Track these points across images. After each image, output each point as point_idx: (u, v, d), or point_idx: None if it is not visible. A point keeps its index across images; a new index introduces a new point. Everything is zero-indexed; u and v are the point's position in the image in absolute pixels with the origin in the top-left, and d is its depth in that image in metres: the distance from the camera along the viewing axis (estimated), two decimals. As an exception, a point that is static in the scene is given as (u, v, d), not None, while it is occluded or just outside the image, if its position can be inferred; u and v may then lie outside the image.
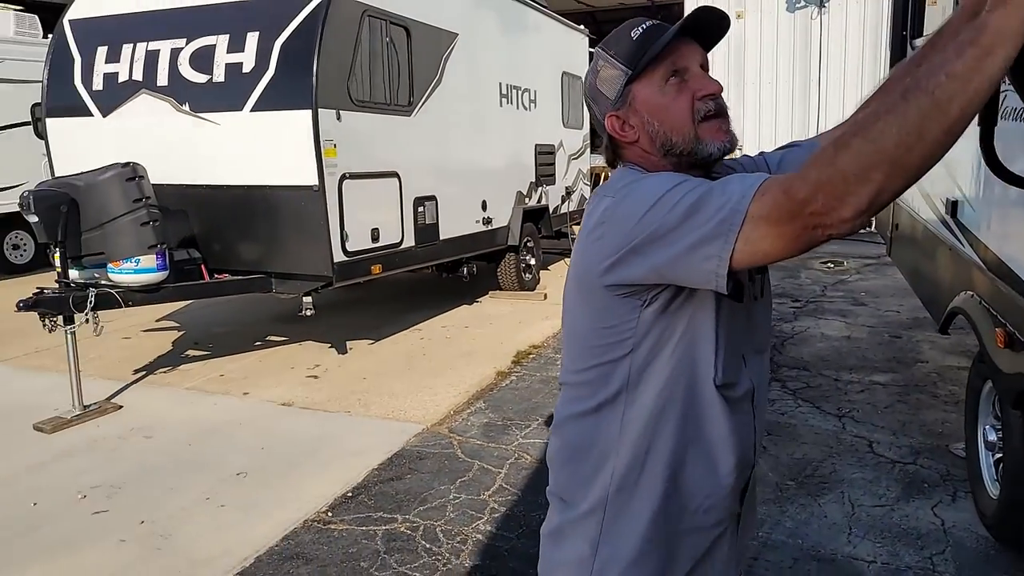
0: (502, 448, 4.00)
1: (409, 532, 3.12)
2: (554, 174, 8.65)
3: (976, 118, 1.85)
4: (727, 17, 1.21)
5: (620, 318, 1.16)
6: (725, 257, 0.99)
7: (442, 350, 5.91)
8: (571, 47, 9.40)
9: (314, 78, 4.71)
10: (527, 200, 7.90)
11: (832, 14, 12.24)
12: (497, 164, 7.33)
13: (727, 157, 1.25)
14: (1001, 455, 2.91)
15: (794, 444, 3.93)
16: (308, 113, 4.73)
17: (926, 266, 4.31)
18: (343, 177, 4.95)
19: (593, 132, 11.35)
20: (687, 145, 1.17)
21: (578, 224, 9.86)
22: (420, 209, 5.84)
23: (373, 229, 5.28)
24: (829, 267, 9.07)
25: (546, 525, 1.35)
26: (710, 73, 1.22)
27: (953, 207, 3.48)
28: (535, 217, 8.18)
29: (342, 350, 5.85)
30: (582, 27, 9.90)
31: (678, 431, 1.20)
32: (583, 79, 1.33)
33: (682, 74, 1.18)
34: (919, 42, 4.14)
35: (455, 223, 6.40)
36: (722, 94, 1.20)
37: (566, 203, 9.11)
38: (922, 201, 4.23)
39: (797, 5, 12.61)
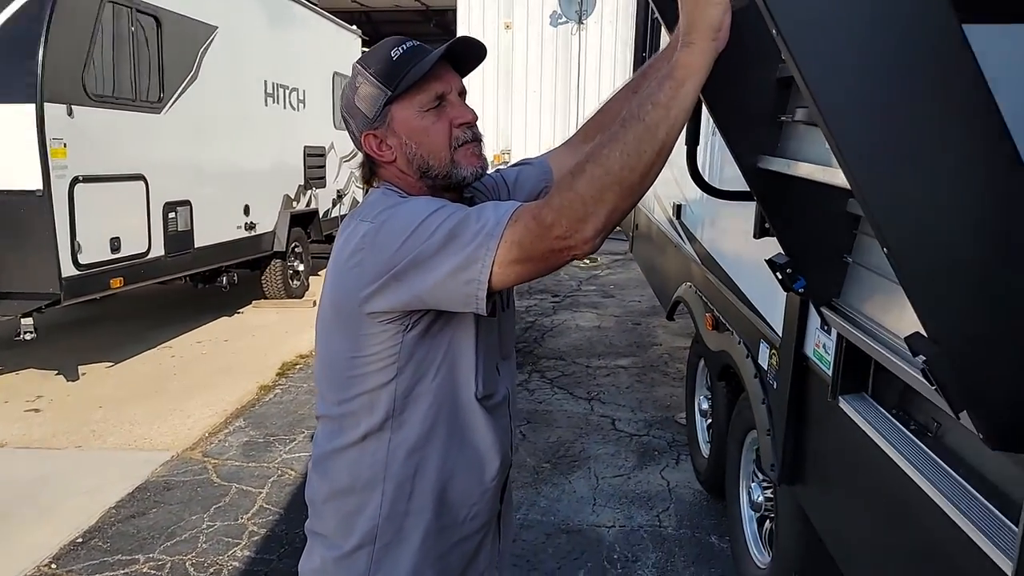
0: (263, 467, 3.84)
1: (153, 572, 2.89)
2: (324, 177, 8.46)
3: (685, 138, 2.17)
4: (485, 47, 1.26)
5: (383, 344, 1.16)
6: (484, 280, 1.04)
7: (197, 368, 5.52)
8: (343, 47, 9.23)
9: (39, 68, 4.18)
10: (295, 204, 7.66)
11: (590, 31, 13.32)
12: (262, 166, 7.01)
13: None
14: (711, 420, 3.40)
15: (550, 429, 4.25)
16: (31, 107, 4.20)
17: (658, 261, 4.87)
18: (75, 180, 4.44)
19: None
20: (443, 169, 1.21)
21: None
22: (171, 215, 5.40)
23: (113, 238, 4.79)
24: (584, 263, 9.86)
25: (305, 563, 1.31)
26: (468, 97, 1.27)
27: (677, 210, 3.98)
28: (304, 221, 7.95)
29: (72, 376, 5.19)
30: (354, 27, 9.78)
31: (444, 448, 1.23)
32: (341, 93, 1.30)
33: (441, 100, 1.21)
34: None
35: (213, 229, 6.01)
36: (477, 122, 1.25)
37: (337, 207, 8.96)
38: (655, 204, 4.78)
39: (559, 20, 13.53)
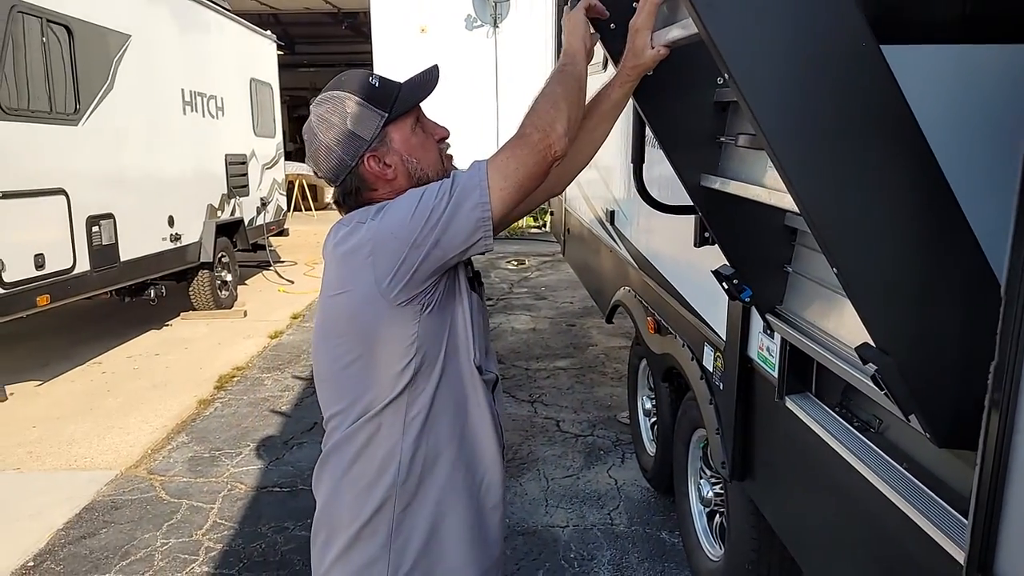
0: (212, 482, 3.79)
1: (112, 591, 2.85)
2: (247, 185, 8.29)
3: (631, 156, 2.28)
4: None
5: (403, 327, 1.26)
6: (487, 202, 1.20)
7: (130, 383, 5.35)
8: (258, 52, 9.08)
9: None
10: (219, 213, 7.48)
11: (505, 35, 13.46)
12: (184, 176, 6.83)
13: None
14: (655, 420, 3.56)
15: (497, 433, 4.33)
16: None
17: (593, 264, 5.01)
18: (-7, 197, 4.25)
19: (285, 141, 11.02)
20: (439, 177, 1.36)
21: (276, 235, 9.56)
22: (95, 229, 5.21)
23: (37, 255, 4.60)
24: (514, 265, 9.99)
25: (324, 553, 1.36)
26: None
27: (611, 216, 4.11)
28: (229, 231, 7.78)
29: (1, 396, 4.99)
30: (269, 32, 9.60)
31: (452, 414, 1.34)
32: (319, 123, 1.32)
33: (421, 120, 1.39)
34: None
35: (138, 242, 5.82)
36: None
37: (262, 214, 8.78)
38: (587, 210, 4.93)
39: (475, 24, 13.62)
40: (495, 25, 13.49)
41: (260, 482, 3.78)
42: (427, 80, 1.38)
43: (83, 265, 5.07)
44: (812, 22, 0.99)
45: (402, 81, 1.38)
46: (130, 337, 6.52)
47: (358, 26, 18.38)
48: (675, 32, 1.30)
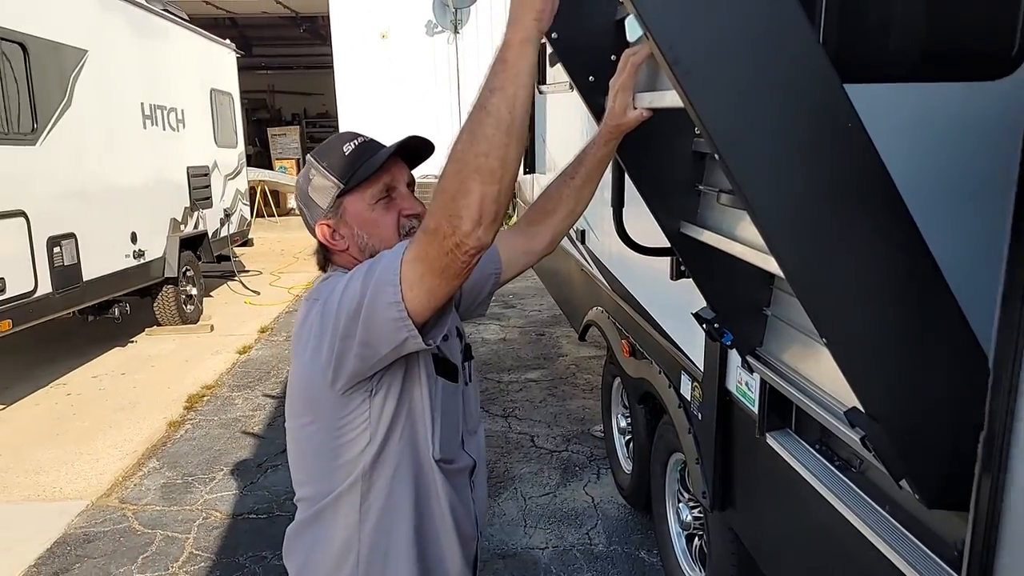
0: (186, 510, 3.75)
1: (90, 630, 2.81)
2: (211, 197, 8.18)
3: (611, 200, 2.28)
4: (432, 144, 1.34)
5: (355, 413, 1.24)
6: (399, 299, 1.07)
7: (97, 405, 5.24)
8: (218, 63, 8.95)
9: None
10: (183, 227, 7.37)
11: (466, 40, 13.50)
12: (146, 191, 6.73)
13: None
14: (630, 438, 3.62)
15: (473, 452, 4.36)
16: None
17: (563, 279, 5.05)
18: (-49, 221, 4.14)
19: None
20: None
21: (240, 245, 9.43)
22: (56, 250, 5.10)
23: (-3, 279, 4.51)
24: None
25: None
26: (416, 190, 1.37)
27: (582, 235, 4.16)
28: (193, 244, 7.67)
29: (-39, 424, 4.87)
30: (228, 41, 9.46)
31: (412, 506, 1.31)
32: (296, 182, 1.40)
33: (391, 192, 1.32)
34: (545, 88, 4.85)
35: (101, 260, 5.72)
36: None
37: (226, 226, 8.66)
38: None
39: (435, 30, 13.63)
40: (456, 31, 13.50)
41: (235, 509, 3.75)
42: (390, 151, 1.30)
43: (45, 287, 4.97)
44: (799, 102, 0.99)
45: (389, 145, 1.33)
46: (94, 356, 6.37)
47: (317, 29, 18.21)
48: (657, 99, 1.30)
